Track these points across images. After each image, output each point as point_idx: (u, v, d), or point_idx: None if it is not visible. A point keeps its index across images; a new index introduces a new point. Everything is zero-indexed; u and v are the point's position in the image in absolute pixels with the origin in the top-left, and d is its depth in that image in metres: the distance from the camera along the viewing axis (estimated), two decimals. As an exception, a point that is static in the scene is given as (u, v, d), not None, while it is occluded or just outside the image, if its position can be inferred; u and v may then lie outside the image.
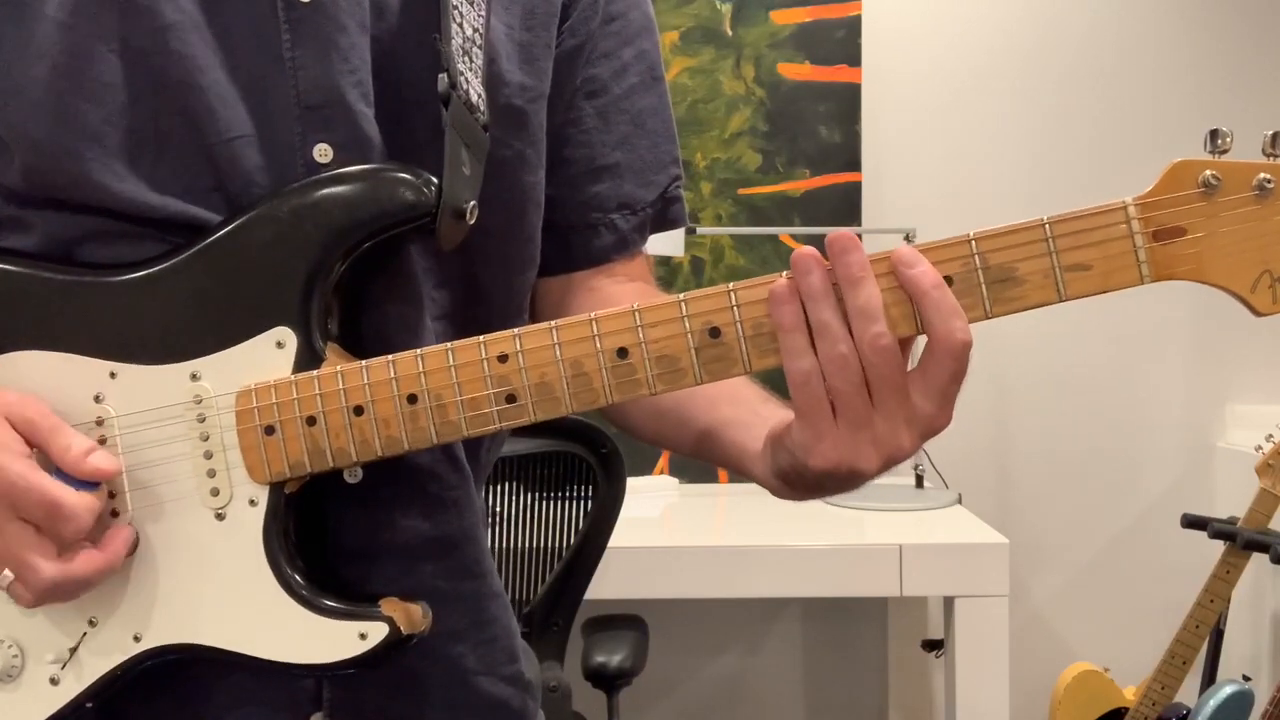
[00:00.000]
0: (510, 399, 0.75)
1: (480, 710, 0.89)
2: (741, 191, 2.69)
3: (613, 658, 1.94)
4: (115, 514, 0.78)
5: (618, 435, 2.08)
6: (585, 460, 1.89)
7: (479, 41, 0.83)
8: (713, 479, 2.72)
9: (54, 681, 0.79)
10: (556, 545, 1.92)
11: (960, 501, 2.46)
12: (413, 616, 0.79)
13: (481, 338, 0.75)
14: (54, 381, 0.78)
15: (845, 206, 2.68)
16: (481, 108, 0.82)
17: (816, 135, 2.69)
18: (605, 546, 1.90)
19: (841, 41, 2.68)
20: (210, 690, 0.82)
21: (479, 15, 0.83)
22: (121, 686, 0.79)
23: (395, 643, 0.77)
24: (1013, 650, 2.09)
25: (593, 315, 0.74)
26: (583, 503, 1.91)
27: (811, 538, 2.20)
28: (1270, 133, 0.68)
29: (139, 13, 0.78)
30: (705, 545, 2.22)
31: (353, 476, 0.80)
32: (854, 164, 2.69)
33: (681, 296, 0.73)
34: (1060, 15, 2.77)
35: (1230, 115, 2.75)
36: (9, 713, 0.79)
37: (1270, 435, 2.22)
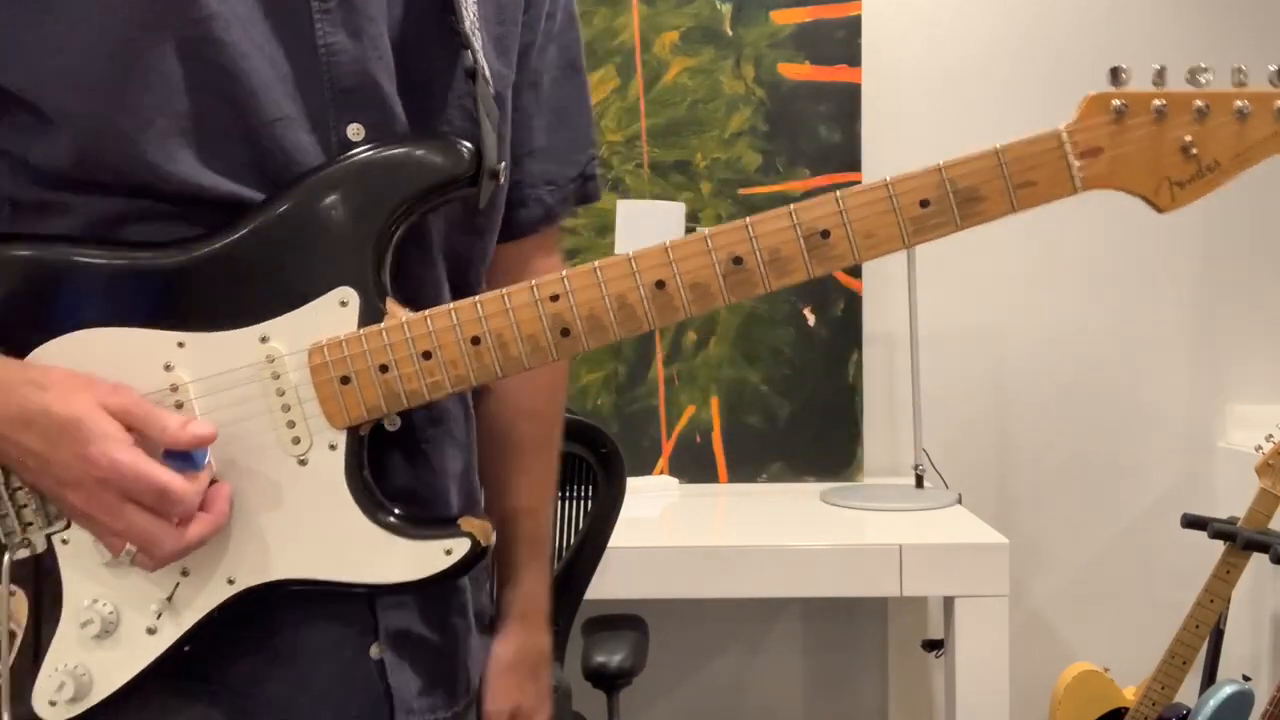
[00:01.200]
0: (565, 332, 0.86)
1: (480, 628, 1.02)
2: (742, 191, 2.70)
3: (613, 658, 1.94)
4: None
5: (618, 435, 2.08)
6: (585, 460, 1.89)
7: (479, 27, 0.93)
8: (713, 479, 2.72)
9: (151, 631, 0.86)
10: (556, 545, 1.92)
11: (960, 501, 2.46)
12: (486, 530, 0.89)
13: (532, 282, 0.86)
14: (123, 355, 0.84)
15: (845, 206, 2.68)
16: (491, 81, 0.93)
17: (816, 135, 2.69)
18: (605, 546, 1.89)
19: (841, 41, 2.68)
20: (285, 626, 0.90)
21: (474, 4, 0.93)
22: (220, 630, 0.86)
23: (477, 555, 0.87)
24: (1013, 650, 2.09)
25: (630, 255, 0.85)
26: (583, 503, 1.90)
27: (811, 538, 2.20)
28: (1157, 67, 0.84)
29: (185, 3, 0.83)
30: (705, 545, 2.22)
31: (392, 425, 0.89)
32: (854, 164, 2.69)
33: (707, 232, 0.85)
34: (1059, 15, 2.77)
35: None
36: (111, 666, 0.86)
37: (1270, 435, 2.22)
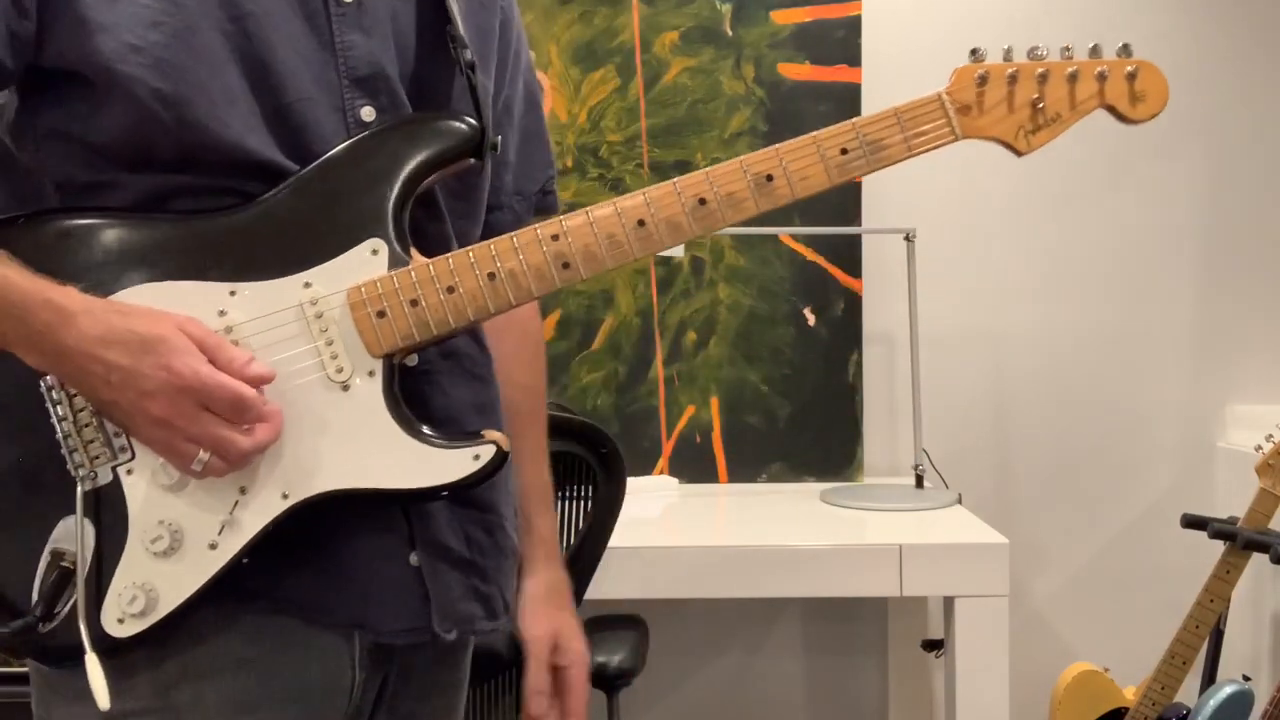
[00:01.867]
0: (565, 265, 1.03)
1: (507, 552, 1.15)
2: (741, 191, 2.69)
3: (613, 658, 1.94)
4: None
5: (618, 435, 2.08)
6: (585, 460, 1.89)
7: (466, 41, 1.09)
8: (713, 479, 2.72)
9: (213, 546, 0.97)
10: (556, 545, 1.92)
11: (960, 501, 2.46)
12: (506, 439, 1.02)
13: (535, 225, 1.03)
14: (180, 305, 0.96)
15: (845, 206, 2.68)
16: (479, 77, 1.09)
17: (816, 135, 2.69)
18: (605, 546, 1.90)
19: (841, 41, 2.68)
20: (334, 540, 1.02)
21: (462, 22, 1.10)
22: (272, 542, 0.98)
23: (501, 460, 1.00)
24: (1013, 650, 2.09)
25: (615, 203, 1.04)
26: (583, 503, 1.91)
27: (811, 538, 2.20)
28: (1006, 46, 1.10)
29: (228, 2, 1.00)
30: (705, 545, 2.22)
31: (411, 361, 1.05)
32: (854, 164, 2.68)
33: (675, 181, 1.05)
34: (1060, 14, 2.77)
35: (1230, 110, 2.75)
36: (175, 577, 0.97)
37: (1270, 435, 2.22)
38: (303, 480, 0.98)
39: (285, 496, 0.98)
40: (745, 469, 2.72)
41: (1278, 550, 2.11)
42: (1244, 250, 2.78)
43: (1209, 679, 2.34)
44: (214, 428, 0.92)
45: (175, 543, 0.96)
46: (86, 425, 0.96)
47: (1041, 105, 1.10)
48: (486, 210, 1.19)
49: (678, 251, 2.54)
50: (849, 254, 2.70)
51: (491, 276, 1.02)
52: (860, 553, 2.14)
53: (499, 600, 1.14)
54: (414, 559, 1.06)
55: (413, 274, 1.01)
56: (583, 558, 1.89)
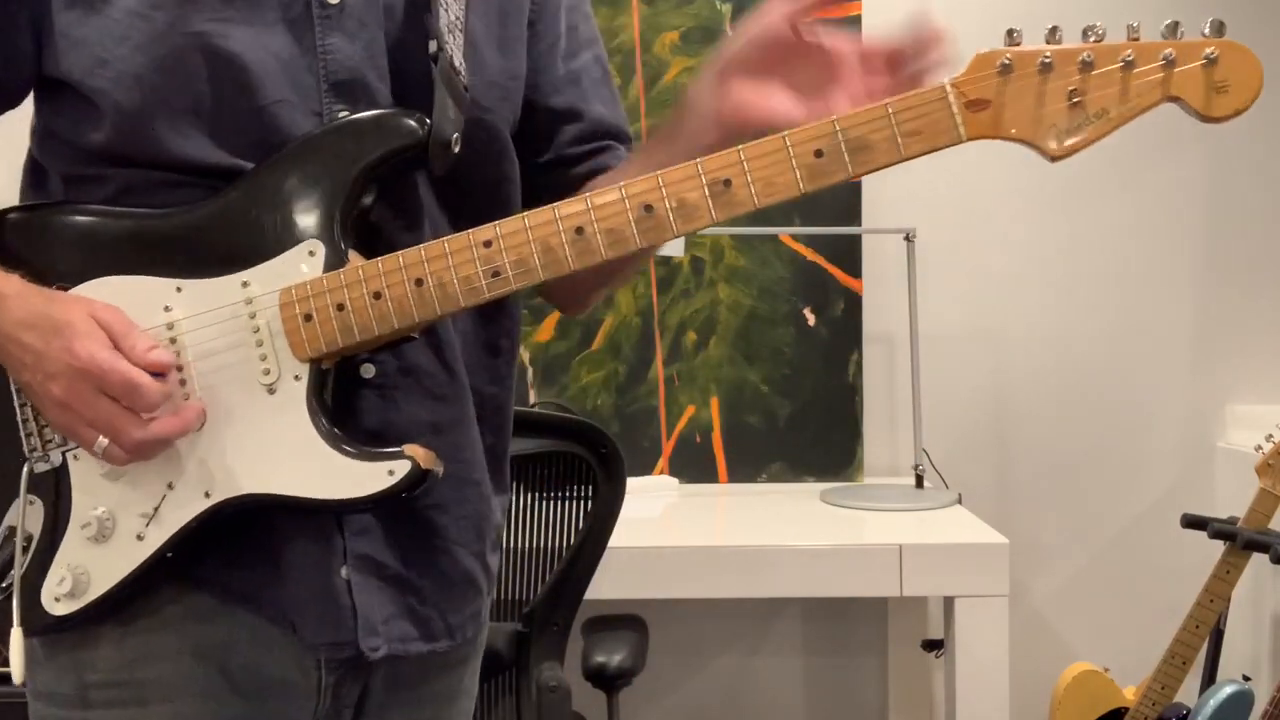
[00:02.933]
0: (495, 274, 0.98)
1: (454, 578, 1.11)
2: (741, 191, 2.69)
3: (613, 658, 1.94)
4: (187, 397, 0.99)
5: (618, 435, 2.08)
6: (585, 460, 1.89)
7: (460, 27, 1.06)
8: (713, 479, 2.72)
9: (139, 537, 0.99)
10: (556, 545, 1.92)
11: (960, 501, 2.46)
12: (429, 457, 0.99)
13: (468, 231, 0.98)
14: (131, 298, 0.99)
15: (845, 206, 2.68)
16: (463, 71, 1.05)
17: (816, 135, 2.69)
18: (605, 546, 1.90)
19: (841, 41, 2.68)
20: (269, 541, 1.02)
21: (460, 9, 1.06)
22: (196, 539, 0.99)
23: (417, 477, 0.98)
24: (1013, 650, 2.09)
25: (554, 206, 0.97)
26: (583, 503, 1.91)
27: (811, 538, 2.20)
28: (1050, 26, 0.91)
29: (199, 8, 0.99)
30: (705, 545, 2.22)
31: (367, 372, 1.03)
32: (854, 164, 2.68)
33: (621, 184, 0.96)
34: (1060, 14, 2.76)
35: (1230, 115, 2.75)
36: (105, 564, 0.99)
37: (1270, 435, 2.22)
38: (226, 481, 0.98)
39: (208, 495, 0.98)
40: (745, 469, 2.72)
41: (1278, 550, 2.10)
42: (1244, 250, 2.78)
43: (1209, 679, 2.34)
44: (109, 413, 0.94)
45: (105, 530, 0.99)
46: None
47: (1079, 100, 0.90)
48: (587, 155, 1.17)
49: (677, 251, 2.54)
50: (849, 254, 2.70)
51: (419, 283, 0.98)
52: (860, 553, 2.14)
53: (438, 623, 1.10)
54: (345, 572, 1.04)
55: (342, 277, 0.98)
56: (583, 558, 1.89)
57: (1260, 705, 2.18)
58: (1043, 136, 0.91)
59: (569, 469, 1.90)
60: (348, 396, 1.03)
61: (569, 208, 0.96)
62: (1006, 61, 0.91)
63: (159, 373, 0.96)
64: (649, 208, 0.95)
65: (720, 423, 2.72)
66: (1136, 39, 0.90)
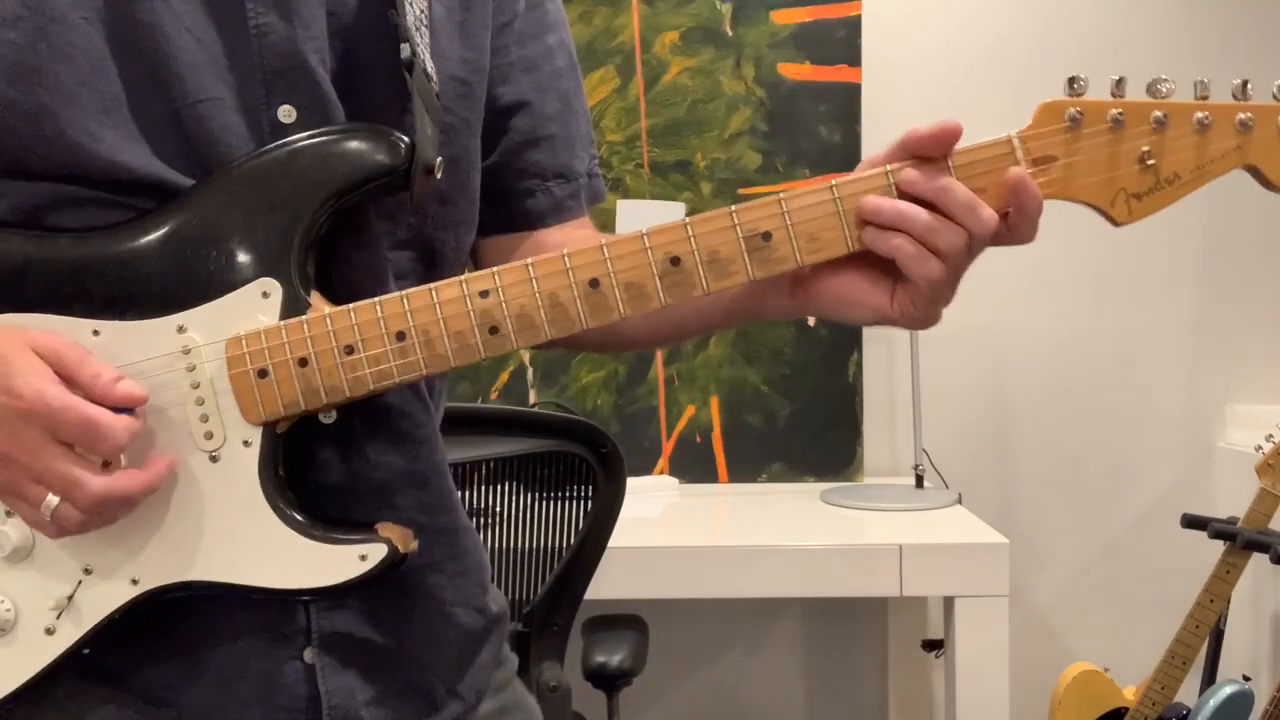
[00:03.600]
0: (493, 330, 0.83)
1: (455, 640, 0.95)
2: (741, 191, 2.70)
3: (613, 658, 1.94)
4: (106, 464, 0.80)
5: (618, 435, 2.08)
6: (585, 460, 1.88)
7: (426, 21, 0.89)
8: (713, 479, 2.72)
9: (50, 631, 0.82)
10: (556, 545, 1.92)
11: (960, 501, 2.46)
12: (406, 536, 0.85)
13: (462, 277, 0.83)
14: None
15: (845, 206, 2.68)
16: (434, 77, 0.89)
17: (816, 135, 2.69)
18: (605, 546, 1.89)
19: (841, 41, 2.68)
20: (204, 630, 0.86)
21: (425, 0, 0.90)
22: (117, 630, 0.83)
23: (394, 562, 0.83)
24: (1013, 650, 2.09)
25: (564, 253, 0.83)
26: (583, 503, 1.90)
27: (811, 538, 2.20)
28: (1116, 77, 0.82)
29: None
30: (705, 545, 2.22)
31: (328, 417, 0.85)
32: (854, 164, 2.65)
33: (643, 231, 0.83)
34: (1059, 15, 2.77)
35: (1230, 115, 2.75)
36: (7, 666, 0.82)
37: (1270, 435, 2.22)
38: (157, 565, 0.82)
39: (135, 582, 0.82)
40: (745, 469, 2.72)
41: (1278, 550, 2.10)
42: (1244, 250, 2.78)
43: (1209, 679, 2.34)
44: (62, 463, 0.76)
45: (5, 624, 0.82)
46: None
47: (1153, 161, 0.82)
48: (509, 196, 1.00)
49: (678, 251, 2.53)
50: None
51: (400, 336, 0.82)
52: (860, 553, 2.14)
53: (441, 692, 0.94)
54: (309, 655, 0.88)
55: (306, 326, 0.82)
56: (583, 558, 1.89)
57: (1260, 705, 2.18)
58: (1112, 201, 0.83)
59: (569, 469, 1.90)
60: (304, 445, 0.86)
61: (582, 256, 0.82)
62: (1076, 114, 0.82)
63: (125, 409, 0.79)
64: (676, 260, 0.82)
65: (720, 423, 2.72)
66: (1206, 97, 0.83)
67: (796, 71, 2.69)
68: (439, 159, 0.87)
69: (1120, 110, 0.82)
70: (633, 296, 0.83)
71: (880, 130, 2.71)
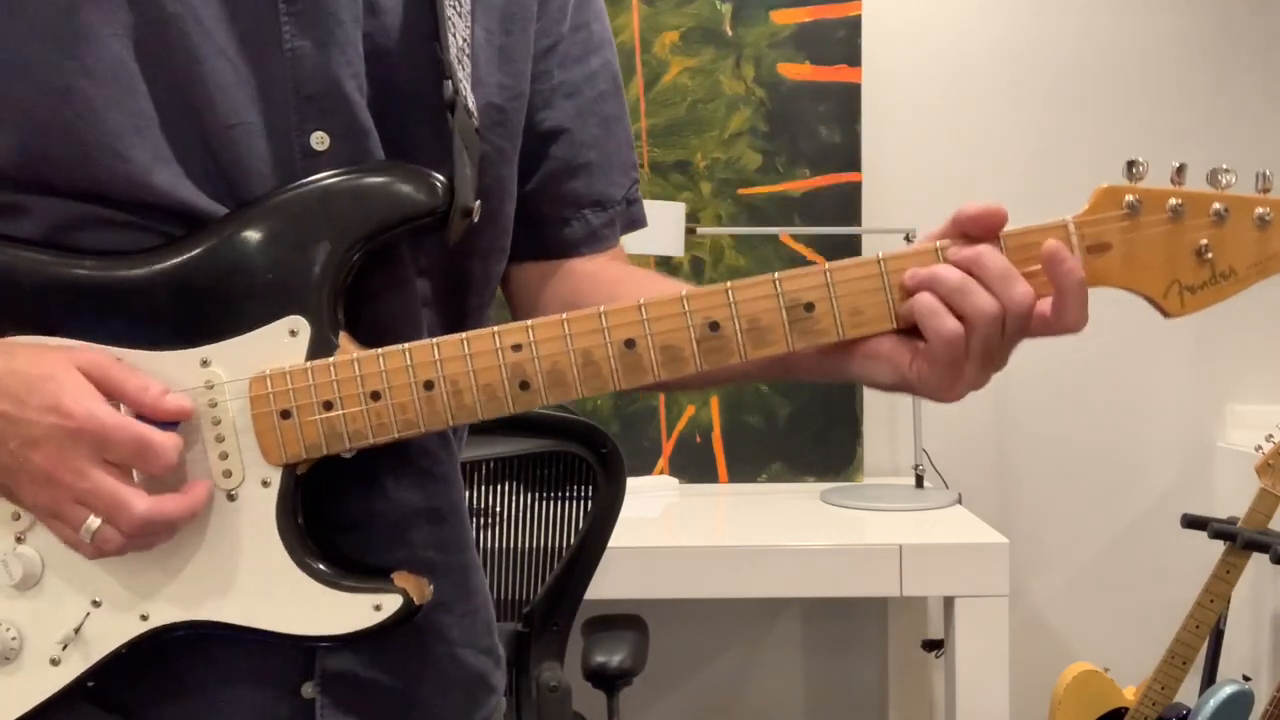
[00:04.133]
0: (524, 385, 0.80)
1: (462, 682, 0.93)
2: (741, 191, 2.70)
3: (613, 658, 1.94)
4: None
5: (618, 435, 2.08)
6: (585, 460, 1.88)
7: (468, 51, 0.87)
8: (713, 479, 2.72)
9: (55, 662, 0.81)
10: (556, 545, 1.92)
11: (960, 501, 2.46)
12: (422, 588, 0.83)
13: (494, 329, 0.81)
14: None
15: (845, 206, 2.68)
16: (475, 112, 0.87)
17: (816, 135, 2.69)
18: (605, 546, 1.89)
19: (841, 41, 2.68)
20: (204, 666, 0.84)
21: (467, 26, 0.88)
22: (124, 665, 0.81)
23: (408, 613, 0.81)
24: (1013, 650, 2.09)
25: (600, 310, 0.80)
26: (583, 503, 1.90)
27: (811, 538, 2.20)
28: (1176, 164, 0.81)
29: (141, 2, 0.80)
30: (705, 545, 2.22)
31: (348, 453, 0.83)
32: (854, 164, 2.69)
33: (684, 293, 0.81)
34: (1059, 15, 2.77)
35: (1227, 113, 2.75)
36: (8, 694, 0.81)
37: (1270, 435, 2.22)
38: (168, 601, 0.81)
39: (144, 618, 0.81)
40: (745, 469, 2.72)
41: (1278, 550, 2.10)
42: (1244, 250, 2.78)
43: (1209, 679, 2.34)
44: (109, 483, 0.75)
45: (10, 652, 0.80)
46: None
47: (1210, 255, 0.80)
48: (545, 223, 0.98)
49: (678, 251, 2.54)
50: (849, 254, 2.68)
51: (429, 385, 0.80)
52: (860, 553, 2.14)
53: None
54: (308, 690, 0.86)
55: (333, 369, 0.80)
56: (583, 558, 1.89)
57: (1260, 705, 2.18)
58: (1165, 292, 0.81)
59: (569, 469, 1.90)
60: (323, 479, 0.84)
61: (619, 316, 0.80)
62: (1134, 201, 0.81)
63: (171, 424, 0.78)
64: (715, 325, 0.81)
65: (720, 423, 2.72)
66: (1269, 190, 0.80)
67: (796, 71, 2.69)
68: (477, 203, 0.85)
69: (1180, 200, 0.80)
70: (668, 360, 0.81)
71: (880, 130, 2.72)
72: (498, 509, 1.89)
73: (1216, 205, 0.80)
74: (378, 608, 0.81)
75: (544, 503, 1.92)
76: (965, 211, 0.82)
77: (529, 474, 1.91)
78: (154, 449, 0.76)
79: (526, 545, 1.93)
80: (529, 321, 0.81)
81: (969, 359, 0.79)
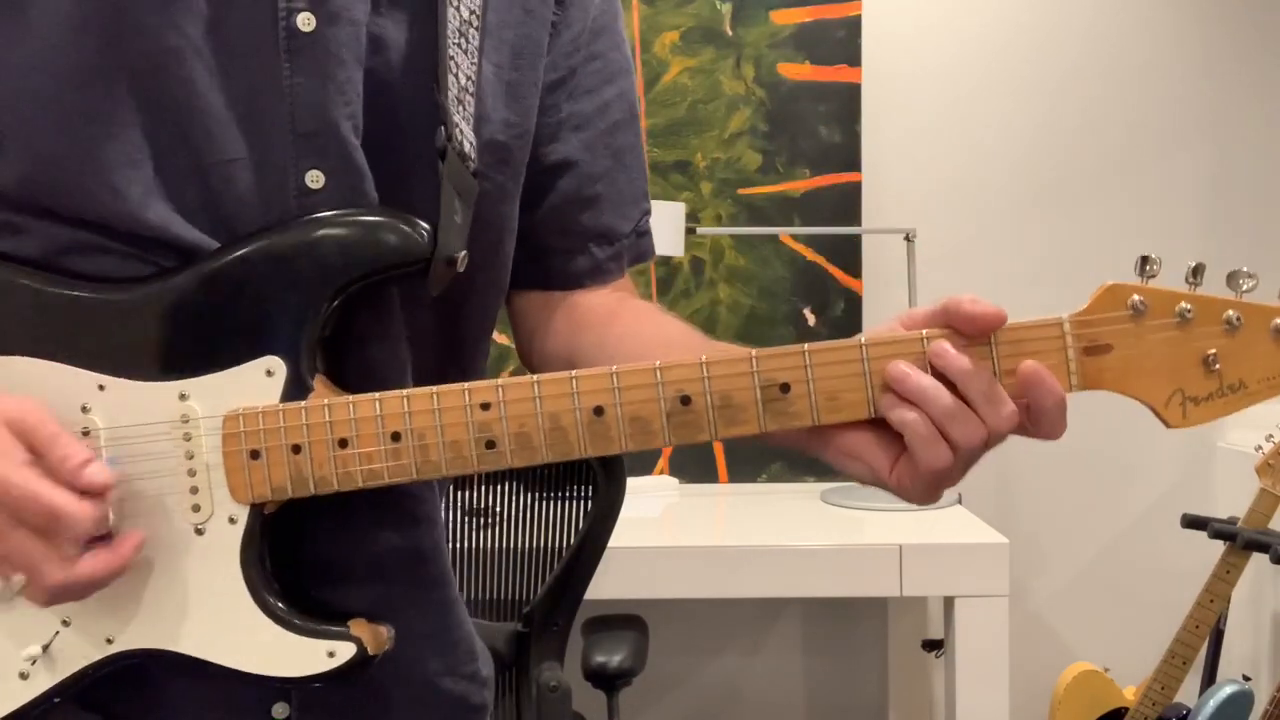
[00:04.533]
0: (490, 444, 0.80)
1: (441, 707, 0.93)
2: (741, 191, 2.70)
3: (613, 658, 1.94)
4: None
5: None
6: (585, 460, 1.89)
7: (471, 89, 0.86)
8: (713, 479, 2.72)
9: (24, 676, 0.82)
10: (556, 545, 1.92)
11: (960, 501, 2.46)
12: (379, 637, 0.83)
13: (466, 385, 0.80)
14: (43, 389, 0.80)
15: (845, 206, 2.68)
16: (473, 155, 0.86)
17: (816, 135, 2.69)
18: (605, 546, 1.89)
19: (841, 41, 2.68)
20: (175, 690, 0.85)
21: (472, 63, 0.87)
22: (89, 685, 0.82)
23: (360, 661, 0.81)
24: (1013, 650, 2.09)
25: (573, 374, 0.79)
26: (583, 503, 1.90)
27: (811, 538, 2.20)
28: (1192, 264, 0.76)
29: (142, 35, 0.80)
30: (705, 545, 2.22)
31: (312, 493, 0.83)
32: (854, 164, 2.69)
33: (657, 364, 0.79)
34: (1060, 15, 2.77)
35: (1228, 115, 2.75)
36: None
37: (1270, 435, 2.22)
38: (134, 627, 0.82)
39: (109, 641, 0.82)
40: (745, 469, 2.72)
41: (1278, 550, 2.10)
42: (1244, 250, 2.77)
43: (1209, 679, 2.34)
44: (26, 547, 0.75)
45: None
46: None
47: (1219, 366, 0.75)
48: (549, 254, 0.98)
49: (678, 251, 2.54)
50: (849, 254, 2.70)
51: (396, 437, 0.80)
52: (860, 553, 2.14)
53: None
54: (279, 710, 0.86)
55: (305, 413, 0.80)
56: (583, 558, 1.89)
57: (1260, 705, 2.18)
58: (1166, 402, 0.76)
59: (569, 469, 1.90)
60: (300, 516, 0.84)
61: (590, 382, 0.79)
62: (1139, 302, 0.76)
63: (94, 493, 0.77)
64: (686, 399, 0.79)
65: (720, 423, 2.71)
66: None
67: (796, 71, 2.69)
68: (463, 252, 0.84)
69: (1190, 305, 0.76)
70: (636, 431, 0.79)
71: (880, 130, 2.72)
72: (498, 509, 1.89)
73: (1230, 313, 0.75)
74: (331, 654, 0.81)
75: (544, 503, 1.92)
76: (962, 308, 0.77)
77: (529, 474, 1.91)
78: (63, 520, 0.75)
79: (526, 545, 1.93)
80: (500, 380, 0.80)
81: (951, 474, 0.79)
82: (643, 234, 1.02)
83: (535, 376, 0.80)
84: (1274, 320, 0.75)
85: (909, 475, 0.78)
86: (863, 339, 0.78)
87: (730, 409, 0.78)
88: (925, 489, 0.79)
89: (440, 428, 0.80)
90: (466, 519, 1.93)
